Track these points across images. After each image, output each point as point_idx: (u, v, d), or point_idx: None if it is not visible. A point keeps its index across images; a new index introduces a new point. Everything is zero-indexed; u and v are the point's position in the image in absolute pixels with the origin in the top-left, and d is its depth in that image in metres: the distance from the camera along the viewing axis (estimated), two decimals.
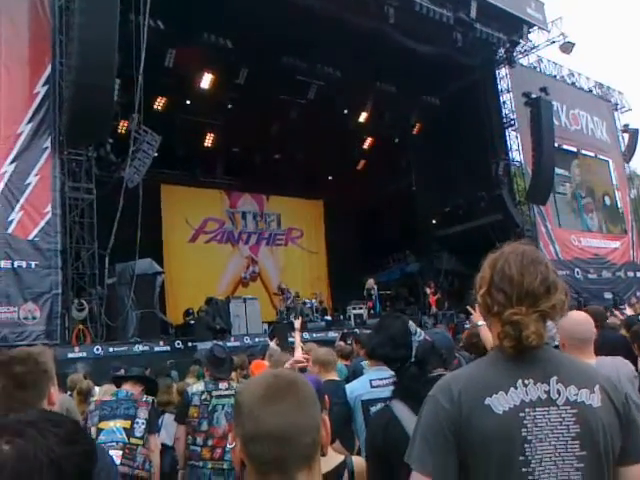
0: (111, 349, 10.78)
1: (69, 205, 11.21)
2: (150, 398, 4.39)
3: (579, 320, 2.81)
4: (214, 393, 4.66)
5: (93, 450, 1.06)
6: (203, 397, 4.64)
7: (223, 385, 4.72)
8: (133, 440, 4.13)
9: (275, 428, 1.12)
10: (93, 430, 4.11)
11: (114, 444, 4.06)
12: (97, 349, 10.71)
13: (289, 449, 1.12)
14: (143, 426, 4.20)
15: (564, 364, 1.52)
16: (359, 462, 2.17)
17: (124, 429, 4.14)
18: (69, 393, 6.16)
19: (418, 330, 2.59)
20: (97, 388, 6.18)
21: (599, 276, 20.74)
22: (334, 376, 4.43)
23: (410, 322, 2.60)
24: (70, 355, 10.22)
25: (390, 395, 2.44)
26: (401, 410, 2.27)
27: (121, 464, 3.98)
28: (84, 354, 10.45)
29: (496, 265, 1.56)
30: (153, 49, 11.67)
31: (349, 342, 7.45)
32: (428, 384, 2.28)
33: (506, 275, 1.53)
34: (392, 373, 3.71)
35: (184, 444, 4.63)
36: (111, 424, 4.15)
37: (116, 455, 3.95)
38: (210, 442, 4.55)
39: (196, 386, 4.85)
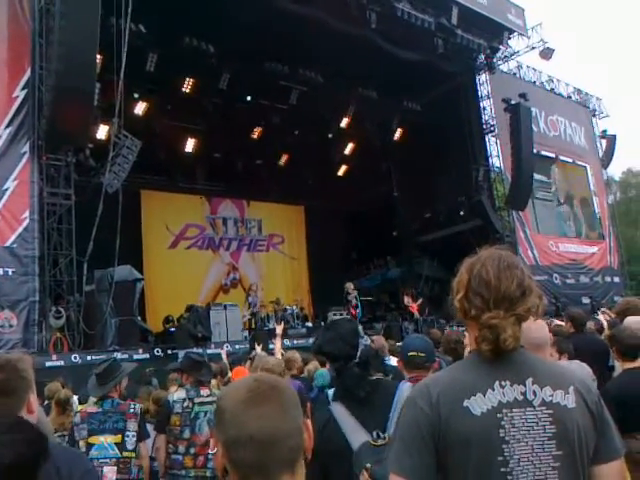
0: (89, 357, 10.57)
1: (47, 211, 11.02)
2: (138, 408, 4.34)
3: (533, 325, 2.82)
4: (196, 400, 4.62)
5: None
6: (185, 405, 4.60)
7: (204, 392, 4.69)
8: (126, 453, 4.13)
9: (258, 432, 1.11)
10: (82, 444, 4.09)
11: (107, 460, 4.06)
12: (75, 357, 10.53)
13: (272, 453, 1.12)
14: (134, 439, 4.20)
15: (539, 366, 1.55)
16: None
17: (116, 444, 4.13)
18: (46, 402, 6.04)
19: (365, 336, 2.68)
20: (75, 397, 6.06)
21: (577, 281, 20.99)
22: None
23: (360, 326, 2.67)
24: (48, 364, 10.02)
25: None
26: (339, 411, 2.32)
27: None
28: (62, 362, 10.27)
29: (473, 269, 1.59)
30: (134, 53, 11.56)
31: None
32: (368, 386, 2.39)
33: (483, 279, 1.56)
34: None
35: (164, 453, 4.57)
36: (102, 439, 4.12)
37: (111, 471, 4.00)
38: (192, 450, 4.52)
39: (177, 394, 4.80)
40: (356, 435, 2.21)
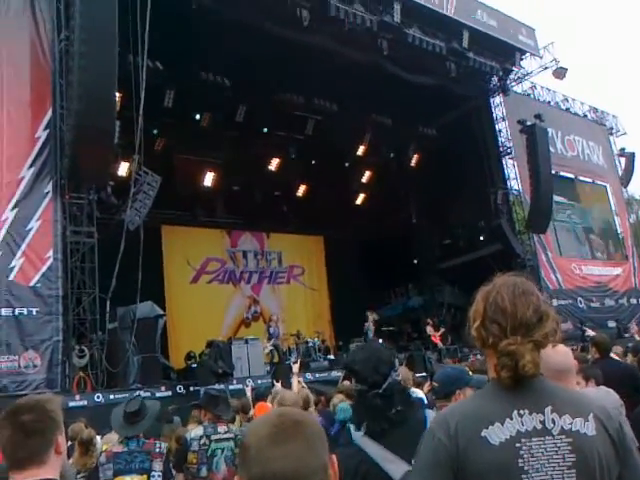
0: (112, 396, 10.48)
1: (70, 249, 11.08)
2: (164, 447, 4.29)
3: (556, 350, 2.75)
4: (213, 437, 4.57)
5: None
6: (202, 442, 4.56)
7: (222, 429, 4.64)
8: None
9: (282, 470, 1.08)
10: None
11: None
12: (98, 397, 10.45)
13: None
14: (159, 479, 4.13)
15: (558, 394, 1.54)
16: None
17: None
18: (70, 443, 5.99)
19: (399, 368, 2.58)
20: (98, 437, 6.01)
21: (602, 304, 20.63)
22: None
23: (397, 359, 2.58)
24: (71, 404, 9.93)
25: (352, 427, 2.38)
26: (367, 444, 2.23)
27: None
28: (85, 402, 10.19)
29: (489, 298, 1.59)
30: (152, 89, 11.71)
31: None
32: (386, 420, 2.27)
33: (499, 307, 1.56)
34: None
35: None
36: (127, 479, 4.05)
37: None
38: None
39: (195, 431, 4.77)
40: (394, 465, 2.14)
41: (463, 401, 1.65)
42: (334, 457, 1.22)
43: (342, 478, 2.02)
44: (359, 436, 2.28)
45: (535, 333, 1.51)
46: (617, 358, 6.51)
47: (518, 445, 1.44)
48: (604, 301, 20.76)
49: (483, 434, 1.45)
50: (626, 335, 18.17)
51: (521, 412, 1.47)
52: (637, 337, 6.43)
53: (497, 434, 1.45)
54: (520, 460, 1.43)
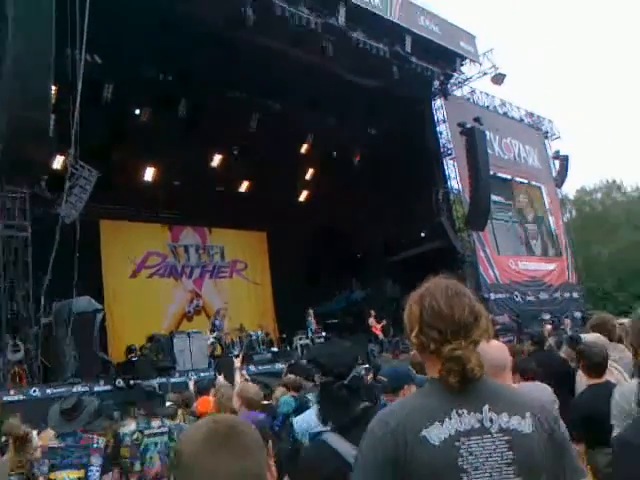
0: (49, 390, 10.31)
1: (2, 244, 10.82)
2: (102, 442, 4.24)
3: (490, 346, 2.89)
4: (146, 432, 4.57)
5: None
6: (134, 437, 4.55)
7: (156, 423, 4.64)
8: None
9: (215, 477, 1.07)
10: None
11: None
12: (34, 391, 10.25)
13: None
14: (98, 473, 4.06)
15: (496, 393, 1.55)
16: None
17: (78, 479, 4.00)
18: (4, 439, 5.86)
19: (362, 366, 2.61)
20: (34, 432, 5.90)
21: (537, 298, 21.42)
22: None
23: (360, 356, 2.60)
24: (6, 398, 9.74)
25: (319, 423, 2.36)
26: (333, 439, 2.20)
27: None
28: (21, 397, 9.98)
29: (423, 302, 1.59)
30: (90, 83, 11.50)
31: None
32: (352, 411, 2.23)
33: (435, 311, 1.56)
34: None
35: None
36: (64, 474, 3.99)
37: None
38: None
39: (128, 426, 4.75)
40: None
41: (404, 400, 1.62)
42: (271, 462, 1.22)
43: (313, 475, 2.05)
44: (327, 432, 2.25)
45: (473, 333, 1.54)
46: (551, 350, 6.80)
47: (457, 444, 1.45)
48: (539, 295, 21.58)
49: (423, 433, 1.45)
50: (561, 327, 18.98)
51: (459, 412, 1.48)
52: (569, 331, 6.68)
53: (437, 434, 1.45)
54: (460, 459, 1.44)
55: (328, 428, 2.25)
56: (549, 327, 15.02)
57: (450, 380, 1.50)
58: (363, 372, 2.44)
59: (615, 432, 2.82)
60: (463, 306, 1.56)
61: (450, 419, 1.47)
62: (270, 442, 3.95)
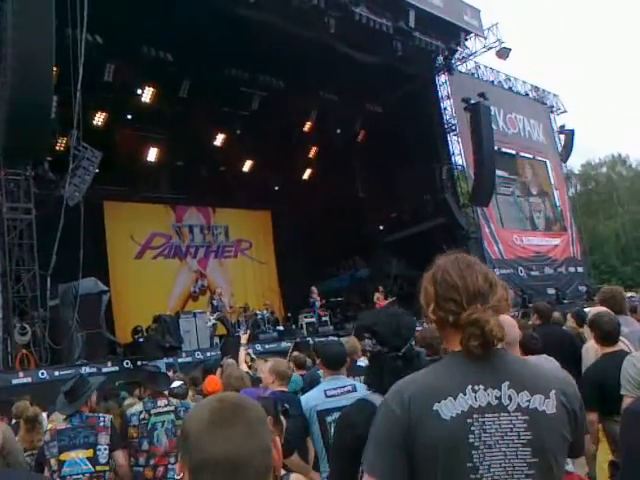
0: (57, 373, 10.37)
1: (7, 226, 10.83)
2: (108, 420, 4.30)
3: (504, 322, 2.89)
4: (152, 411, 4.61)
5: None
6: (141, 417, 4.59)
7: (162, 402, 4.68)
8: (99, 467, 4.08)
9: (224, 456, 1.07)
10: (53, 462, 4.02)
11: (81, 476, 4.01)
12: (42, 373, 10.30)
13: (240, 476, 1.08)
14: (106, 452, 4.14)
15: (518, 369, 1.51)
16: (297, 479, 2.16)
17: (88, 459, 4.07)
18: (15, 421, 5.93)
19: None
20: (44, 414, 5.97)
21: (542, 273, 21.43)
22: (285, 388, 4.40)
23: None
24: (14, 381, 9.81)
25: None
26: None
27: None
28: (29, 379, 10.04)
29: (436, 278, 1.59)
30: (91, 64, 11.40)
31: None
32: None
33: (449, 284, 1.55)
34: (349, 382, 3.74)
35: (127, 468, 4.54)
36: (73, 455, 4.06)
37: None
38: (152, 461, 4.51)
39: (135, 407, 4.79)
40: None
41: (419, 373, 1.57)
42: (277, 439, 1.22)
43: (350, 432, 2.05)
44: (373, 394, 2.21)
45: (490, 299, 1.52)
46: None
47: (469, 421, 1.42)
48: (544, 270, 21.57)
49: (435, 408, 1.43)
50: (564, 301, 19.03)
51: (475, 387, 1.45)
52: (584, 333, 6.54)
53: (449, 408, 1.43)
54: (471, 436, 1.42)
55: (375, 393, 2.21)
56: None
57: (471, 344, 1.47)
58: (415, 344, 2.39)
59: (624, 402, 2.83)
60: (476, 274, 1.55)
61: (465, 395, 1.45)
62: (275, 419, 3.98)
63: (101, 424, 4.23)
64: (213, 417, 1.12)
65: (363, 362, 5.68)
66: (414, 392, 1.48)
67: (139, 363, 11.75)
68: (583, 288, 21.87)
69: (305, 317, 16.80)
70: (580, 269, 23.49)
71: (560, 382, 1.53)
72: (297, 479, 2.14)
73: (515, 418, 1.44)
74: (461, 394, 1.45)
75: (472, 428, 1.43)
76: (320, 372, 5.37)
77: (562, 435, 1.46)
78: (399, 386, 1.54)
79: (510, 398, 1.45)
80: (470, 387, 1.45)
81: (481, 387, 1.46)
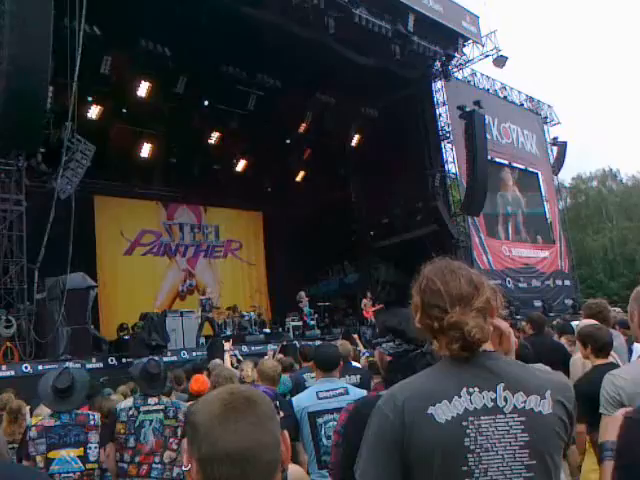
0: (40, 367, 10.24)
1: None
2: (97, 418, 4.26)
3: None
4: (142, 409, 4.56)
5: None
6: (130, 413, 4.54)
7: (152, 400, 4.62)
8: (89, 465, 4.07)
9: (234, 449, 1.07)
10: (40, 459, 3.96)
11: (71, 474, 3.99)
12: (26, 367, 10.21)
13: (250, 469, 1.07)
14: (96, 450, 4.13)
15: (512, 370, 1.50)
16: (296, 471, 2.14)
17: (79, 457, 4.04)
18: None
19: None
20: (27, 407, 5.90)
21: (529, 285, 21.48)
22: (272, 387, 4.39)
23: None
24: None
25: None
26: None
27: None
28: (12, 372, 9.94)
29: (421, 286, 1.58)
30: (88, 55, 11.29)
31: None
32: None
33: (432, 290, 1.54)
34: (341, 384, 3.72)
35: (113, 461, 4.49)
36: (63, 453, 4.02)
37: None
38: (137, 459, 4.46)
39: (125, 402, 4.75)
40: None
41: (413, 377, 1.56)
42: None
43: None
44: None
45: (475, 302, 1.49)
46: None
47: (464, 424, 1.41)
48: (531, 282, 21.63)
49: (429, 411, 1.42)
50: (551, 314, 19.09)
51: (470, 390, 1.44)
52: (566, 346, 6.51)
53: (444, 412, 1.42)
54: (467, 439, 1.40)
55: None
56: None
57: (452, 347, 1.46)
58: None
59: (603, 421, 2.79)
60: (459, 279, 1.53)
61: (459, 397, 1.43)
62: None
63: (91, 422, 4.20)
64: (225, 409, 1.11)
65: (356, 365, 5.69)
66: (408, 396, 1.46)
67: (124, 360, 11.66)
68: (569, 302, 21.95)
69: (292, 320, 16.76)
70: (567, 282, 23.58)
71: (555, 383, 1.52)
72: (295, 469, 2.13)
73: (511, 420, 1.43)
74: (456, 397, 1.43)
75: (468, 431, 1.41)
76: (305, 376, 5.36)
77: (558, 435, 1.45)
78: (393, 391, 1.52)
79: (506, 400, 1.44)
80: (465, 390, 1.44)
81: (476, 389, 1.44)
